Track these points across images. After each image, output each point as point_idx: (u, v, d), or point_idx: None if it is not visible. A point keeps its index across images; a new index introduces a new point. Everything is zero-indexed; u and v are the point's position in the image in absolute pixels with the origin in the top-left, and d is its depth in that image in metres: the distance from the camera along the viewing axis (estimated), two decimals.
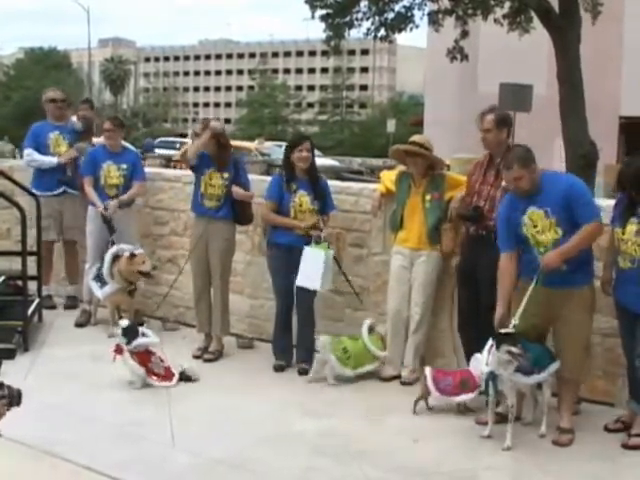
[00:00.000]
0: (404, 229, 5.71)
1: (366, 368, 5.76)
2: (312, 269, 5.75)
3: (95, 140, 7.70)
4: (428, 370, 5.10)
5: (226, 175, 6.13)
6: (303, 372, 5.89)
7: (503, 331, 4.54)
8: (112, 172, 6.96)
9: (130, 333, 5.50)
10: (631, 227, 4.55)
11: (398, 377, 5.73)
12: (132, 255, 6.58)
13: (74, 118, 7.66)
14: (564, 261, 4.54)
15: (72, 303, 7.48)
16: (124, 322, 5.60)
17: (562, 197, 4.57)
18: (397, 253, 5.77)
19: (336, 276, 6.01)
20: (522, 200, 4.68)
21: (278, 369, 5.92)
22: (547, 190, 4.63)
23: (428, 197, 5.64)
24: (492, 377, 4.62)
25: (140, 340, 5.54)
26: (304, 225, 5.79)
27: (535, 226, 4.63)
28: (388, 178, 5.93)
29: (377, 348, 5.80)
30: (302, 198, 5.85)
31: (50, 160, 7.26)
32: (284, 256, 5.86)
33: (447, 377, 5.05)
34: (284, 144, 29.47)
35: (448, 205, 5.60)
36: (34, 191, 7.09)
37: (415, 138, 5.82)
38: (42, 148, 7.32)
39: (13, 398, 2.68)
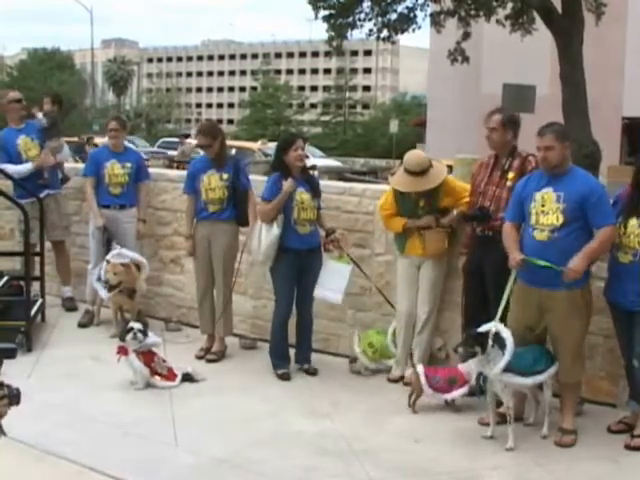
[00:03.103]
0: (409, 238, 5.71)
1: (387, 363, 5.91)
2: (336, 282, 5.83)
3: (99, 140, 7.70)
4: (420, 368, 5.16)
5: (225, 176, 6.12)
6: (314, 372, 5.89)
7: (473, 331, 4.65)
8: (116, 170, 6.97)
9: (144, 334, 5.53)
10: (634, 221, 4.59)
11: (403, 378, 5.73)
12: (107, 262, 6.59)
13: (40, 115, 7.50)
14: (585, 268, 4.55)
15: (70, 305, 7.45)
16: (136, 324, 5.58)
17: (581, 195, 4.58)
18: (405, 258, 5.79)
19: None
20: (542, 179, 4.71)
21: (286, 377, 5.80)
22: (570, 179, 4.66)
23: (422, 203, 5.64)
24: (482, 378, 4.65)
25: (145, 340, 5.55)
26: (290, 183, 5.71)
27: (543, 205, 4.66)
28: (386, 207, 5.80)
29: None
30: (303, 196, 5.81)
31: (25, 168, 7.06)
32: (292, 261, 5.79)
33: (436, 374, 5.15)
34: None
35: (441, 210, 5.60)
36: (18, 200, 6.72)
37: (413, 166, 5.51)
38: (14, 157, 7.11)
39: (13, 397, 2.69)
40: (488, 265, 5.15)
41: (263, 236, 5.75)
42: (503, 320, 4.71)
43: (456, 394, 5.12)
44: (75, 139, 22.51)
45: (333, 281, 5.84)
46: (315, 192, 5.90)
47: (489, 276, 5.16)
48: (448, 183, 5.68)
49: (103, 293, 6.78)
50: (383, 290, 6.06)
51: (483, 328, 4.63)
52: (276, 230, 5.71)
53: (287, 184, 5.69)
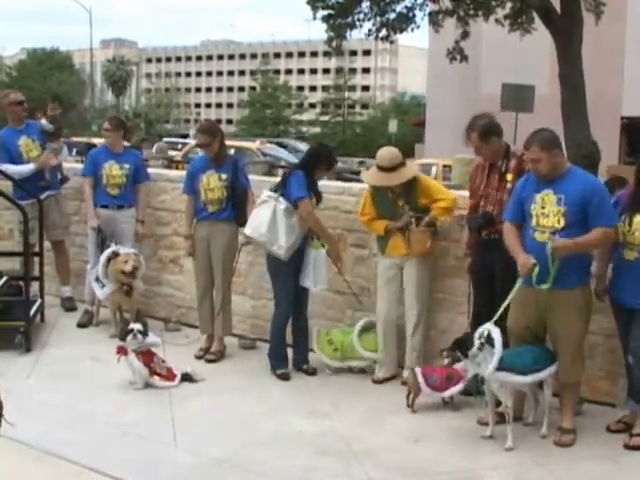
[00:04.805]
0: (390, 239, 5.68)
1: (353, 363, 5.86)
2: (308, 268, 5.77)
3: (97, 141, 7.70)
4: (417, 368, 5.18)
5: (224, 176, 6.12)
6: (313, 372, 5.88)
7: (466, 335, 4.71)
8: (114, 171, 6.97)
9: (144, 334, 5.52)
10: (639, 218, 4.58)
11: (390, 379, 5.75)
12: (115, 254, 6.60)
13: (43, 121, 7.37)
14: (570, 251, 4.51)
15: (69, 305, 7.45)
16: (137, 325, 5.55)
17: (582, 196, 4.56)
18: (386, 258, 5.77)
19: (337, 277, 6.03)
20: (541, 182, 4.69)
21: (285, 377, 5.80)
22: (569, 182, 4.63)
23: (400, 203, 5.63)
24: (478, 378, 4.66)
25: (144, 340, 5.55)
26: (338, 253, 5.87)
27: (543, 207, 4.64)
28: (365, 211, 5.81)
29: (370, 349, 5.81)
30: (313, 200, 5.85)
31: (27, 168, 7.04)
32: (292, 259, 5.75)
33: (433, 374, 5.16)
34: (286, 143, 28.99)
35: (421, 209, 5.58)
36: (19, 202, 6.66)
37: (384, 161, 5.56)
38: (15, 157, 7.09)
39: None
40: (497, 268, 5.09)
41: (287, 231, 5.65)
42: (502, 320, 4.72)
43: (454, 390, 5.15)
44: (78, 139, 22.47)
45: (307, 267, 5.78)
46: (318, 197, 5.91)
47: (498, 278, 5.10)
48: (423, 183, 5.69)
49: (100, 293, 6.78)
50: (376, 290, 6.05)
51: (476, 332, 4.63)
52: (301, 229, 5.69)
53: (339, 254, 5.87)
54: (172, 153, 24.60)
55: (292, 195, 5.66)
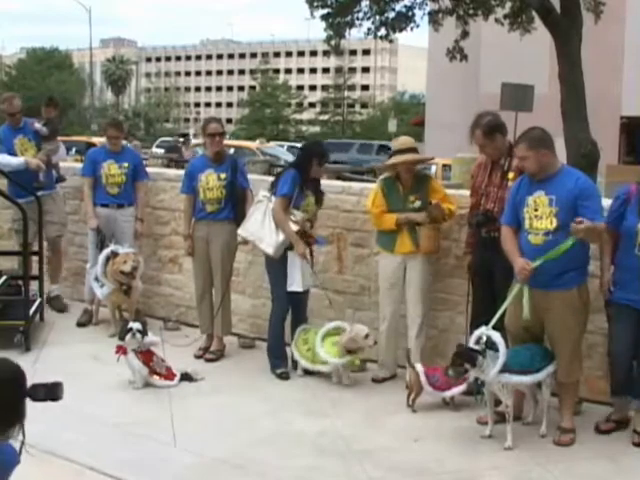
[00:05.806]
0: (398, 236, 5.63)
1: (317, 367, 5.72)
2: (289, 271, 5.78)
3: (97, 140, 7.68)
4: (420, 367, 5.16)
5: (223, 175, 6.12)
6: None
7: (461, 347, 4.67)
8: (113, 170, 6.97)
9: (143, 333, 5.51)
10: None
11: (390, 379, 5.75)
12: (114, 254, 6.59)
13: (37, 125, 7.26)
14: (584, 234, 4.43)
15: (57, 304, 7.40)
16: (135, 324, 5.54)
17: (573, 195, 4.54)
18: (390, 257, 5.71)
19: (337, 276, 6.03)
20: (534, 183, 4.68)
21: (285, 377, 5.79)
22: (560, 182, 4.61)
23: (412, 198, 5.61)
24: (478, 380, 4.66)
25: (143, 340, 5.54)
26: (302, 251, 5.73)
27: (536, 210, 4.64)
28: (377, 204, 5.70)
29: (333, 353, 5.63)
30: (310, 199, 5.84)
31: (18, 161, 6.97)
32: (286, 258, 5.78)
33: (435, 373, 5.15)
34: (286, 144, 29.28)
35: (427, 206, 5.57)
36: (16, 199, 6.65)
37: (405, 143, 5.68)
38: (10, 155, 7.05)
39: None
40: (497, 267, 5.08)
41: (276, 229, 5.69)
42: (502, 320, 4.71)
43: (455, 391, 5.14)
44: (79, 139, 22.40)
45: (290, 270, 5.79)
46: (318, 198, 5.91)
47: (498, 277, 5.10)
48: (435, 183, 5.79)
49: (99, 292, 6.78)
50: (377, 290, 6.04)
51: (473, 336, 4.63)
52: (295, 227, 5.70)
53: (302, 251, 5.71)
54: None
55: (278, 193, 5.72)
